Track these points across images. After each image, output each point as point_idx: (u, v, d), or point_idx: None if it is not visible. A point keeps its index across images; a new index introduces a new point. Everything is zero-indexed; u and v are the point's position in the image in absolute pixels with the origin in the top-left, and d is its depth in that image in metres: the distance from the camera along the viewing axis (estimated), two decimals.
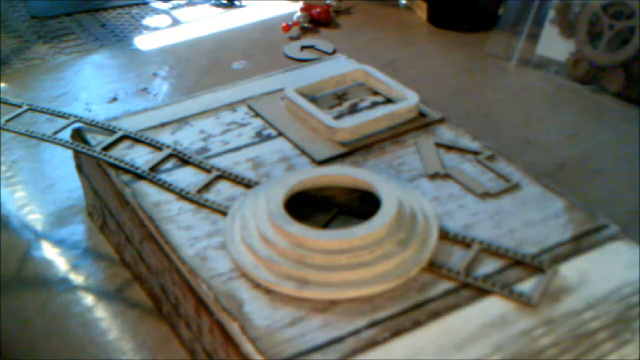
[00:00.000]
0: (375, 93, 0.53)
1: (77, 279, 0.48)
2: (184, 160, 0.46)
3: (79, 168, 0.52)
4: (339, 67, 0.55)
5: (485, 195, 0.43)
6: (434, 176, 0.44)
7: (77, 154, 0.51)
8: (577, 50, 0.68)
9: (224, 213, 0.41)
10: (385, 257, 0.37)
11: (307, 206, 0.42)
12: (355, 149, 0.47)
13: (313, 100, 0.51)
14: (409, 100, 0.50)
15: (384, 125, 0.49)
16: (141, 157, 0.46)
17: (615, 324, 0.35)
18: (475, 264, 0.38)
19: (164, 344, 0.43)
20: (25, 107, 0.52)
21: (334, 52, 0.75)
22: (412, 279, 0.37)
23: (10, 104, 0.52)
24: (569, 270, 0.38)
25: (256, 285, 0.37)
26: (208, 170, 0.45)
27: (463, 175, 0.44)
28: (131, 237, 0.45)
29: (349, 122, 0.48)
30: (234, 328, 0.34)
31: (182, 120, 0.50)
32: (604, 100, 0.66)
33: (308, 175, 0.42)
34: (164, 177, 0.44)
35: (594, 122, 0.63)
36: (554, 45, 0.69)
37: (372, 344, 0.34)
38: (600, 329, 0.35)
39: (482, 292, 0.36)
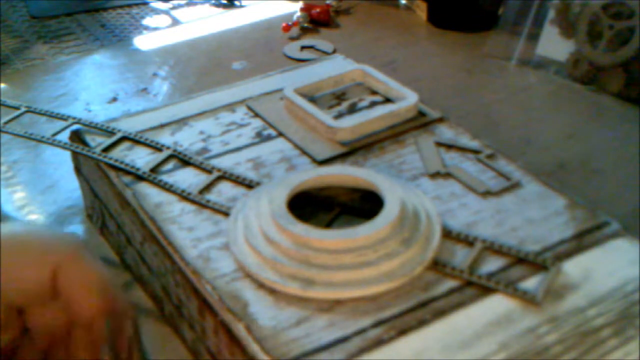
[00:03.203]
0: (374, 92, 0.53)
1: None
2: (184, 161, 0.46)
3: (78, 170, 0.51)
4: (338, 67, 0.55)
5: (487, 193, 0.43)
6: (435, 175, 0.44)
7: (75, 156, 0.51)
8: (577, 50, 0.68)
9: (226, 214, 0.41)
10: (389, 256, 0.37)
11: (309, 206, 0.42)
12: (356, 149, 0.47)
13: (312, 100, 0.51)
14: (408, 99, 0.50)
15: (383, 124, 0.49)
16: (141, 158, 0.46)
17: (618, 320, 0.35)
18: (478, 262, 0.38)
19: (164, 345, 0.42)
20: (23, 109, 0.52)
21: (333, 52, 0.75)
22: (416, 278, 0.37)
23: (8, 107, 0.52)
24: (572, 267, 0.38)
25: (260, 285, 0.36)
26: (209, 171, 0.45)
27: (464, 174, 0.44)
28: (132, 239, 0.45)
29: (349, 121, 0.48)
30: (239, 328, 0.34)
31: (182, 121, 0.50)
32: (604, 100, 0.66)
33: (310, 175, 0.42)
34: (165, 178, 0.44)
35: (594, 122, 0.63)
36: (554, 45, 0.69)
37: (378, 343, 0.33)
38: (604, 325, 0.35)
39: (486, 290, 0.36)
